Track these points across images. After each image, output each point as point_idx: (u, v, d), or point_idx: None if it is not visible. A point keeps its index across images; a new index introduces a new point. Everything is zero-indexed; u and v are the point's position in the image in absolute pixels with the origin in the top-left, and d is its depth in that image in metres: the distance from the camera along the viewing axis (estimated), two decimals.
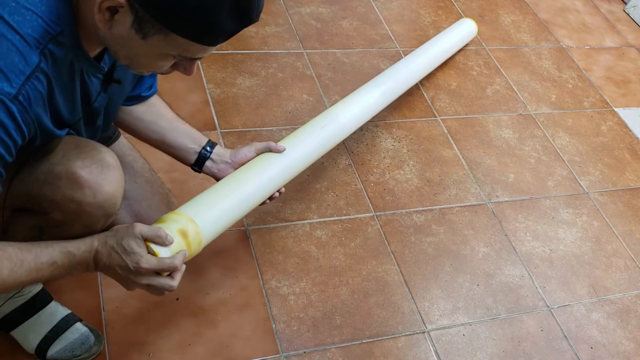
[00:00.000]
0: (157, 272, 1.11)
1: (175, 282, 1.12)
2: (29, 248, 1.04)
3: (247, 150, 1.43)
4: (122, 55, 1.03)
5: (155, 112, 1.41)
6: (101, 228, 1.19)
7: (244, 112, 2.05)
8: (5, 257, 1.00)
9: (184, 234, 1.18)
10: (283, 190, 1.48)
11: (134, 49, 0.99)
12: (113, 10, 0.95)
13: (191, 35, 0.96)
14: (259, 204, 1.42)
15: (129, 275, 1.09)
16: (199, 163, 1.42)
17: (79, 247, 1.08)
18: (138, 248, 1.08)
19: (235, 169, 1.41)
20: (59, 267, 1.07)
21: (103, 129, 1.28)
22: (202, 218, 1.24)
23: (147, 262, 1.08)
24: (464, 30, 2.48)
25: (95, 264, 1.10)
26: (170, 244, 1.13)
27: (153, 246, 1.11)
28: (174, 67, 1.07)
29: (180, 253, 1.13)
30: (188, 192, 1.70)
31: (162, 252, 1.12)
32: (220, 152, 1.43)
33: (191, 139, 1.42)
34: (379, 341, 1.60)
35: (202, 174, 1.46)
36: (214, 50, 1.04)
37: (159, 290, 1.13)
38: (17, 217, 1.17)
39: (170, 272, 1.12)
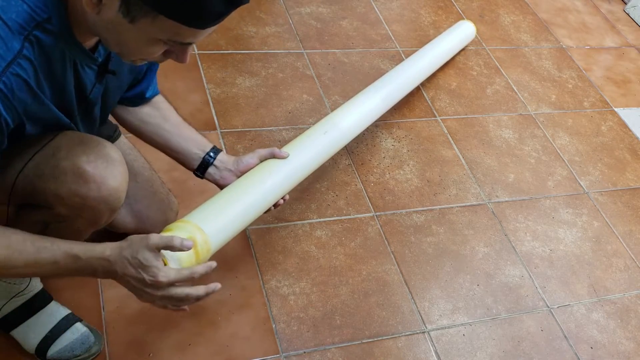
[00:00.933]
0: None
1: (194, 292, 1.09)
2: (34, 240, 1.03)
3: (250, 158, 1.42)
4: (112, 41, 1.01)
5: (160, 115, 1.41)
6: (105, 223, 1.19)
7: (244, 112, 2.05)
8: (3, 245, 1.00)
9: (193, 244, 1.16)
10: (287, 197, 1.47)
11: (123, 34, 0.98)
12: None
13: (179, 16, 0.93)
14: (265, 211, 1.41)
15: (145, 288, 1.08)
16: (201, 169, 1.41)
17: (86, 252, 1.06)
18: (155, 261, 1.06)
19: (238, 176, 1.41)
20: (61, 267, 1.06)
21: (100, 122, 1.28)
22: (209, 226, 1.23)
23: (164, 274, 1.06)
24: (462, 33, 2.48)
25: (105, 272, 1.08)
26: (189, 248, 1.10)
27: (165, 253, 1.10)
28: (166, 54, 1.04)
29: (204, 265, 1.11)
30: (188, 192, 1.70)
31: (171, 261, 1.11)
32: (223, 159, 1.42)
33: (195, 144, 1.41)
34: (379, 341, 1.60)
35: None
36: (203, 36, 1.00)
37: (176, 302, 1.10)
38: (21, 212, 1.17)
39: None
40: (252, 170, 1.41)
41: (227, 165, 1.41)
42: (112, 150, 1.13)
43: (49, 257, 1.04)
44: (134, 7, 0.93)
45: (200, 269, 1.10)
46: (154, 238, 1.07)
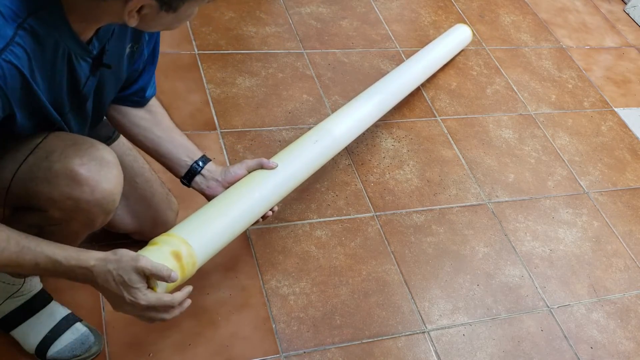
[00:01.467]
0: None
1: (168, 315, 1.12)
2: (19, 240, 1.03)
3: (237, 169, 1.40)
4: (154, 28, 1.09)
5: (153, 119, 1.39)
6: (100, 226, 1.19)
7: (244, 112, 2.05)
8: None
9: (177, 257, 1.16)
10: (276, 208, 1.45)
11: (168, 24, 1.05)
12: (140, 9, 0.98)
13: None
14: (252, 223, 1.40)
15: (123, 305, 1.10)
16: (188, 177, 1.40)
17: (69, 259, 1.06)
18: (139, 283, 1.08)
19: (225, 187, 1.39)
20: (41, 269, 1.06)
21: (94, 118, 1.26)
22: (195, 239, 1.22)
23: (145, 298, 1.08)
24: (458, 37, 2.46)
25: (85, 279, 1.09)
26: (174, 281, 1.12)
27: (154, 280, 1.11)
28: None
29: (184, 291, 1.14)
30: (188, 192, 1.70)
31: (159, 287, 1.12)
32: (211, 169, 1.40)
33: (185, 152, 1.39)
34: (379, 341, 1.60)
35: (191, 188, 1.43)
36: None
37: (148, 320, 1.13)
38: (16, 215, 1.17)
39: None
40: (240, 182, 1.39)
41: (215, 175, 1.39)
42: (105, 152, 1.12)
43: (31, 258, 1.04)
44: (175, 2, 0.99)
45: (179, 296, 1.12)
46: (144, 262, 1.08)
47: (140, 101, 1.38)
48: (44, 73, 1.03)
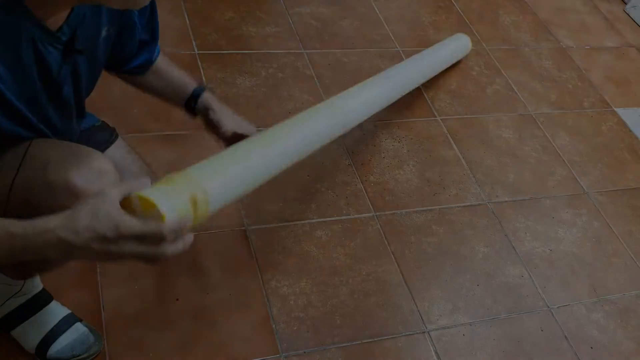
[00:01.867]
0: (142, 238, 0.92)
1: (169, 248, 0.93)
2: None
3: (225, 123, 1.46)
4: (122, 5, 1.02)
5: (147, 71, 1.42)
6: None
7: (244, 112, 2.04)
8: None
9: (194, 203, 1.02)
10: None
11: None
12: None
13: None
14: (269, 178, 1.31)
15: (109, 247, 0.91)
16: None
17: (26, 227, 0.91)
18: (119, 215, 0.91)
19: (207, 123, 1.46)
20: None
21: (77, 105, 1.23)
22: (213, 186, 1.09)
23: (127, 225, 0.91)
24: (458, 48, 2.45)
25: (56, 248, 0.91)
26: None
27: (159, 203, 0.93)
28: None
29: (182, 219, 0.95)
30: None
31: (166, 209, 0.94)
32: (204, 102, 1.45)
33: (179, 93, 1.45)
34: (379, 341, 1.60)
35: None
36: None
37: (150, 261, 0.95)
38: None
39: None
40: (260, 134, 1.39)
41: (207, 104, 1.45)
42: (102, 162, 1.10)
43: None
44: None
45: (170, 223, 0.93)
46: (113, 191, 0.93)
47: (147, 65, 1.39)
48: (6, 63, 0.98)
